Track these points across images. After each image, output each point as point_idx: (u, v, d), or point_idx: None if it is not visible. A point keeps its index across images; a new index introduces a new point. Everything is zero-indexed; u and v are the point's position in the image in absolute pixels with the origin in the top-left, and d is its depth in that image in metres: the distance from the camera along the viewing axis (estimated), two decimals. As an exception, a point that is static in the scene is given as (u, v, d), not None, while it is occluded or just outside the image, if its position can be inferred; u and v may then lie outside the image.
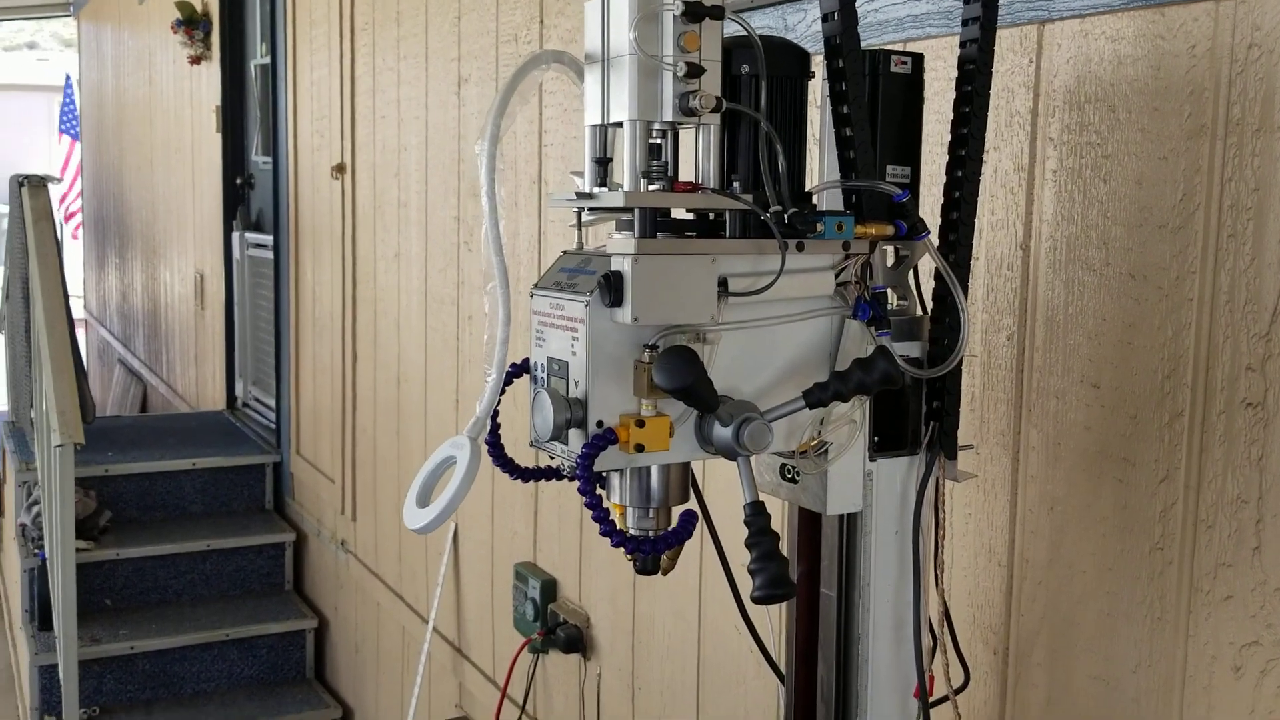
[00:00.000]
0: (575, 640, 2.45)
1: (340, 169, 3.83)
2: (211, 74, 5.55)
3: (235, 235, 5.32)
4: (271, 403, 4.88)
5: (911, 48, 1.47)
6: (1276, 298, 1.09)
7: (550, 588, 2.59)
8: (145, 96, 7.21)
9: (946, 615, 1.26)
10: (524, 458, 1.19)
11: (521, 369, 1.13)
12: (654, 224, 1.03)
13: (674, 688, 2.14)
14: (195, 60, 5.70)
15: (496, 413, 1.13)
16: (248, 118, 5.35)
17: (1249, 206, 1.11)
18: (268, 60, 4.78)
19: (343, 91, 3.79)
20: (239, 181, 5.39)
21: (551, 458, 1.12)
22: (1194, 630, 1.19)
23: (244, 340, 5.34)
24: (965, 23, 1.18)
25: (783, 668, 1.35)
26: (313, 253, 4.27)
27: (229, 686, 4.16)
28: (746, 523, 1.03)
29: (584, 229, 1.12)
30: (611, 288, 1.00)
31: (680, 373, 0.97)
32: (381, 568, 3.72)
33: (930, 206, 1.24)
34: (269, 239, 4.82)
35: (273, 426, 4.83)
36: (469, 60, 2.88)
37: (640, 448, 1.03)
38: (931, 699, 1.24)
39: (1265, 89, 1.09)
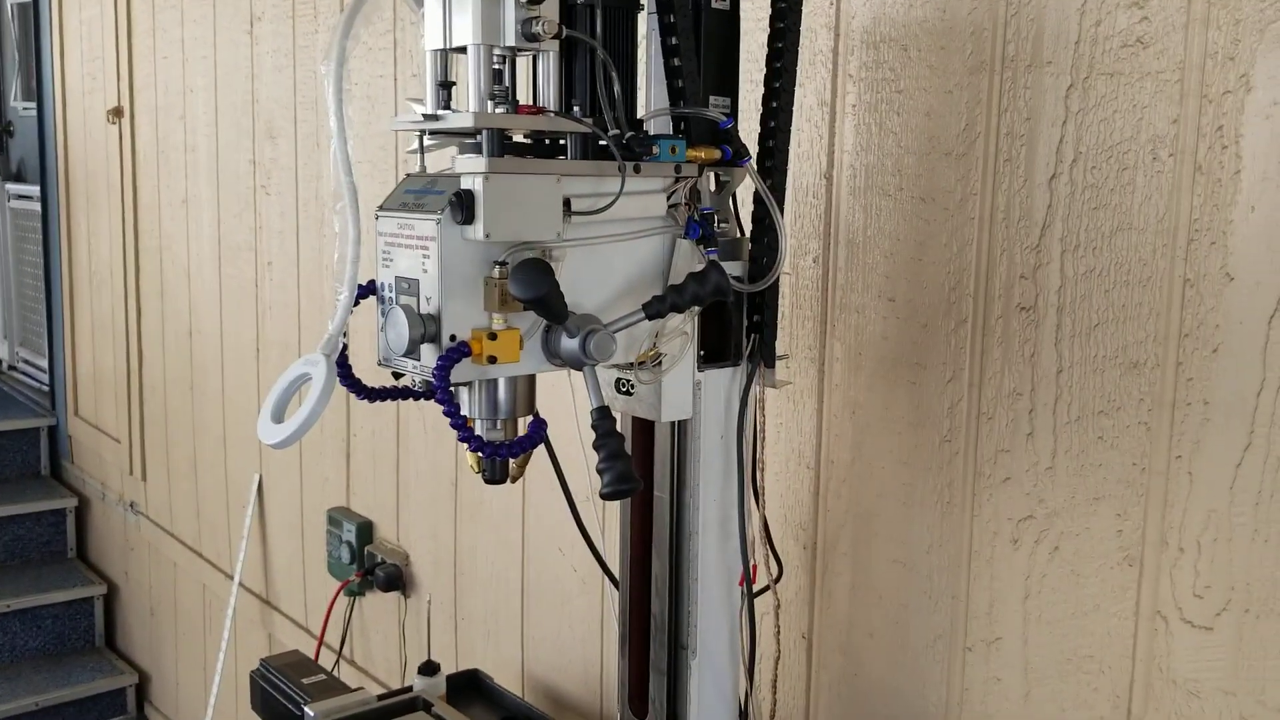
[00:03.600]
0: (394, 578, 2.48)
1: (118, 113, 3.64)
2: (-44, 11, 5.12)
3: (-7, 186, 4.96)
4: (43, 364, 4.61)
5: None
6: (1045, 213, 1.25)
7: (366, 530, 2.60)
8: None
9: (763, 514, 1.38)
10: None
11: (368, 289, 1.16)
12: (501, 145, 1.08)
13: (498, 615, 2.21)
14: (-65, -4, 5.23)
15: (345, 333, 1.16)
16: (4, 60, 4.97)
17: (1022, 134, 1.27)
18: (26, -3, 4.46)
19: (118, 31, 3.60)
20: (-5, 128, 5.01)
21: (397, 377, 1.16)
22: (978, 510, 1.35)
23: (8, 298, 4.99)
24: (777, -37, 1.27)
25: (616, 572, 1.44)
26: (87, 202, 4.05)
27: (13, 659, 3.95)
28: (594, 426, 1.11)
29: (424, 153, 1.16)
30: (463, 205, 1.05)
31: (536, 283, 1.03)
32: (177, 527, 3.61)
33: (745, 138, 1.34)
34: (34, 189, 4.52)
35: (46, 389, 4.57)
36: (262, -2, 2.80)
37: (493, 359, 1.08)
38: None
39: (1035, 29, 1.24)
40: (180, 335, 3.44)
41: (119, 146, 3.70)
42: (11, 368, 5.03)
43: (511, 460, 1.16)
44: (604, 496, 1.10)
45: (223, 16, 3.00)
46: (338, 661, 2.70)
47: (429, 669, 1.83)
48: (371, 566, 2.54)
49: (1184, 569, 1.18)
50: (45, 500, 4.24)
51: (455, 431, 1.09)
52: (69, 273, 4.25)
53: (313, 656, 2.66)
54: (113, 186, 3.78)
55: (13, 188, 4.86)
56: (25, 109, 4.75)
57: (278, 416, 1.10)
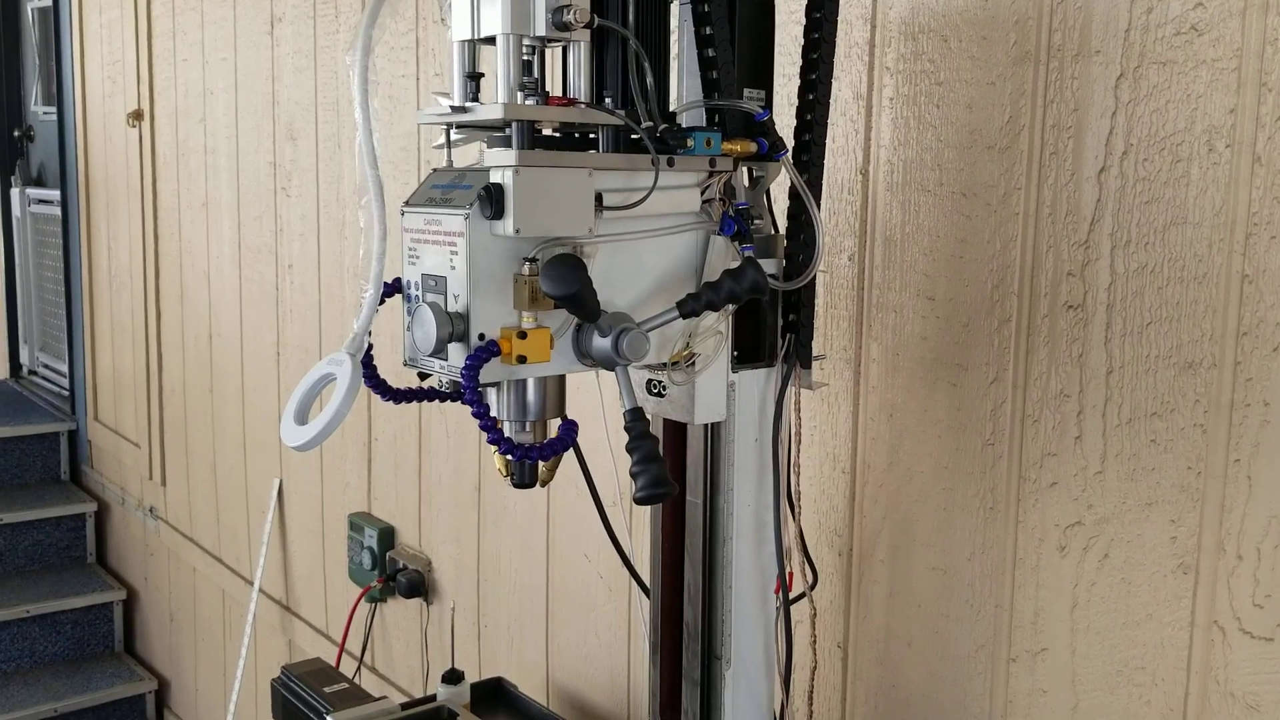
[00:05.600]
0: (417, 584, 2.45)
1: (138, 116, 3.63)
2: (-22, 17, 5.13)
3: (15, 192, 4.96)
4: (64, 368, 4.60)
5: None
6: (1094, 208, 1.21)
7: (388, 535, 2.57)
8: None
9: (798, 520, 1.33)
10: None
11: (394, 288, 1.13)
12: (531, 138, 1.04)
13: (522, 621, 2.17)
14: (-42, 2, 5.25)
15: (370, 332, 1.13)
16: (25, 65, 4.97)
17: (1069, 126, 1.22)
18: (48, 2, 4.46)
19: (138, 34, 3.58)
20: (16, 134, 5.01)
21: (423, 377, 1.13)
22: (1023, 516, 1.31)
23: (28, 303, 4.99)
24: (813, -49, 1.23)
25: (646, 579, 1.40)
26: (107, 206, 4.04)
27: (32, 665, 3.93)
28: (627, 428, 1.07)
29: (450, 147, 1.12)
30: (493, 199, 1.02)
31: (568, 280, 1.00)
32: (197, 532, 3.58)
33: (780, 131, 1.30)
34: (55, 194, 4.52)
35: (66, 393, 4.56)
36: (283, -1, 2.78)
37: (522, 359, 1.05)
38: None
39: (1083, 17, 1.20)
40: (200, 339, 3.42)
41: (139, 150, 3.68)
42: (32, 372, 5.03)
43: (541, 464, 1.12)
44: (638, 501, 1.06)
45: (243, 18, 2.98)
46: (359, 669, 2.67)
47: (453, 677, 1.80)
48: (393, 572, 2.50)
49: (1243, 577, 1.13)
50: (65, 505, 4.23)
51: (481, 434, 1.05)
52: (89, 277, 4.24)
53: (334, 664, 2.63)
54: (133, 190, 3.76)
55: (33, 192, 4.86)
56: (46, 113, 4.76)
57: (301, 418, 1.06)
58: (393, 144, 2.36)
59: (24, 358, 5.07)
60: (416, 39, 2.29)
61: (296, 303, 2.85)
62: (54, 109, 4.46)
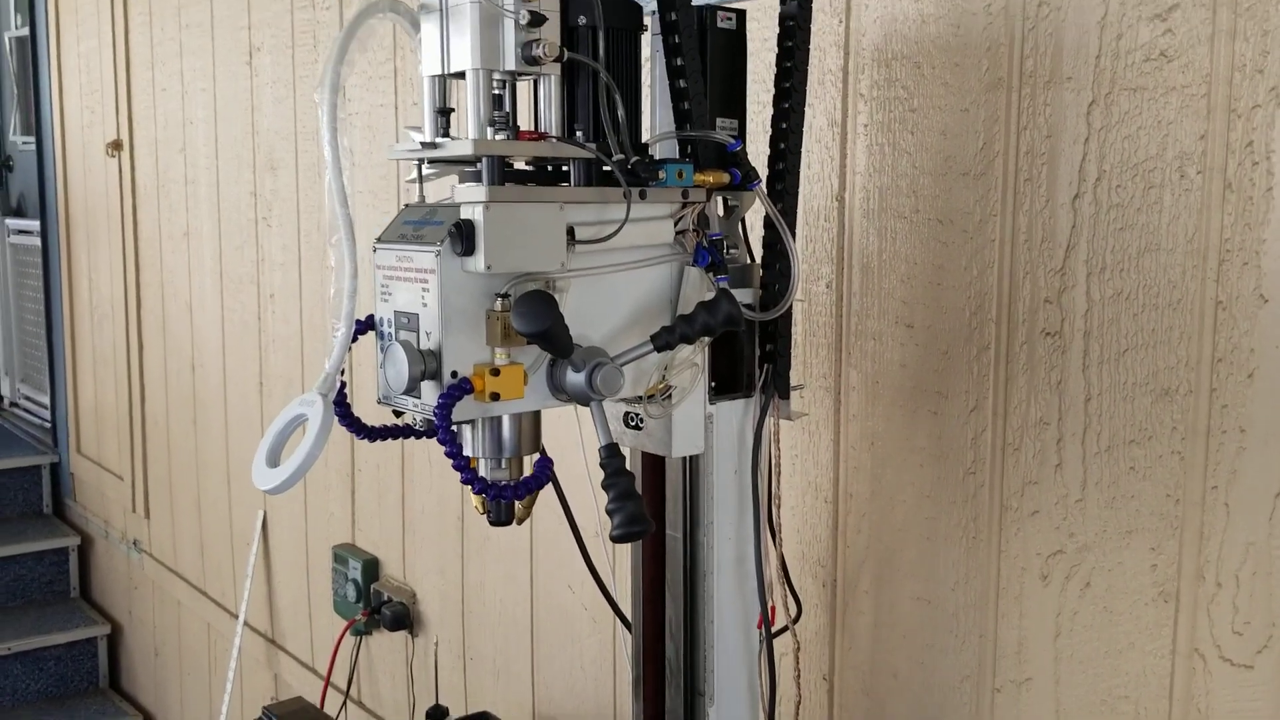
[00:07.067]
0: (402, 617, 2.42)
1: (117, 146, 3.62)
2: (-43, 48, 5.12)
3: (-7, 222, 4.94)
4: (45, 400, 4.57)
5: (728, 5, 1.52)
6: (1069, 234, 1.20)
7: (372, 567, 2.55)
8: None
9: (780, 552, 1.32)
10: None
11: (367, 325, 1.12)
12: (502, 173, 1.03)
13: (507, 653, 2.15)
14: (-64, 33, 5.23)
15: (343, 370, 1.11)
16: (3, 95, 4.96)
17: (1043, 152, 1.22)
18: (25, 32, 4.45)
19: (116, 64, 3.58)
20: (-5, 164, 5.00)
21: (398, 415, 1.12)
22: (1005, 545, 1.30)
23: (9, 335, 4.96)
24: (784, -19, 1.23)
25: (628, 613, 1.39)
26: (87, 236, 4.02)
27: (14, 703, 3.88)
28: (603, 465, 1.06)
29: (422, 182, 1.12)
30: (463, 236, 1.01)
31: (540, 316, 0.99)
32: (181, 564, 3.55)
33: (753, 160, 1.29)
34: (34, 224, 4.50)
35: (48, 425, 4.52)
36: (261, 29, 2.77)
37: (495, 396, 1.04)
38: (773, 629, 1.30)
39: (1054, 44, 1.20)
40: (182, 369, 3.40)
41: (119, 180, 3.67)
42: (13, 404, 5.00)
43: (517, 501, 1.11)
44: (614, 539, 1.05)
45: (221, 48, 2.97)
46: (345, 704, 2.64)
47: (437, 714, 1.78)
48: (378, 605, 2.48)
49: (1222, 605, 1.12)
50: (47, 539, 4.19)
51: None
52: (70, 308, 4.22)
53: (319, 698, 2.61)
54: (113, 220, 3.75)
55: (13, 223, 4.84)
56: (24, 143, 4.74)
57: (273, 460, 1.05)
58: (371, 173, 2.35)
59: (5, 389, 5.04)
60: (394, 68, 2.28)
61: (278, 333, 2.84)
62: (33, 139, 4.45)
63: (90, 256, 4.01)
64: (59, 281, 4.27)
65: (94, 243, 3.96)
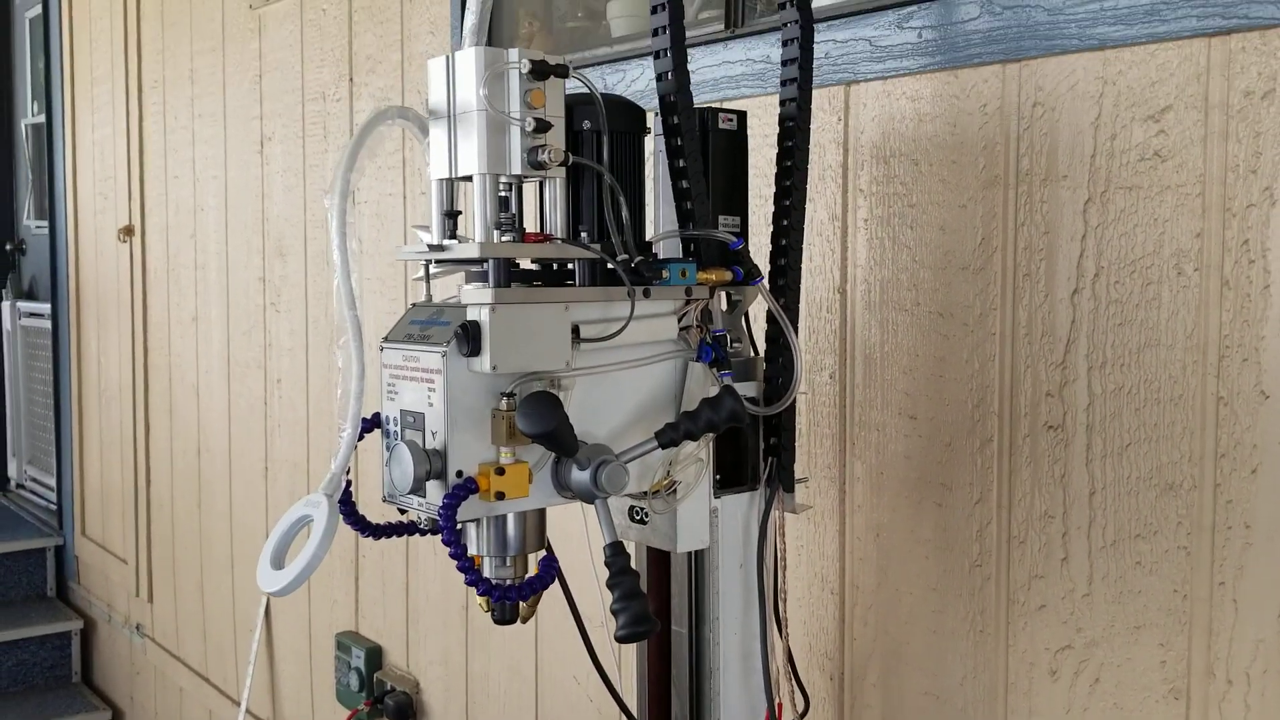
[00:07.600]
0: (405, 707, 2.40)
1: (129, 231, 3.67)
2: (-26, 134, 5.22)
3: (5, 305, 4.98)
4: (51, 482, 4.57)
5: (728, 106, 1.55)
6: (1069, 329, 1.21)
7: (375, 655, 2.52)
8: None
9: (787, 645, 1.31)
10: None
11: (373, 423, 1.13)
12: (508, 274, 1.05)
13: (512, 745, 2.12)
14: (-46, 120, 5.33)
15: (348, 470, 1.12)
16: (18, 179, 5.04)
17: (1041, 248, 1.24)
18: (41, 119, 4.54)
19: (130, 151, 3.64)
20: (9, 247, 5.06)
21: (403, 513, 1.12)
22: (1013, 640, 1.29)
23: (17, 416, 4.98)
24: (784, 83, 1.26)
25: (633, 709, 1.37)
26: (97, 320, 4.05)
27: (12, 793, 3.83)
28: (607, 563, 1.06)
29: (429, 281, 1.13)
30: (469, 337, 1.02)
31: (544, 418, 1.00)
32: (184, 650, 3.52)
33: (756, 253, 1.31)
34: (45, 308, 4.54)
35: (53, 508, 4.52)
36: (272, 119, 2.83)
37: (501, 495, 1.04)
38: (780, 725, 1.29)
39: (1049, 142, 1.22)
40: (189, 453, 3.41)
41: (130, 265, 3.71)
42: (20, 485, 4.99)
43: (521, 601, 1.11)
44: (619, 639, 1.05)
45: (233, 137, 3.03)
46: (346, 794, 2.60)
47: (439, 809, 1.75)
48: (381, 694, 2.45)
49: (1234, 703, 1.11)
50: (50, 623, 4.16)
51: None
52: (78, 390, 4.24)
53: (320, 789, 2.57)
54: (123, 304, 3.78)
55: (24, 305, 4.89)
56: (38, 227, 4.80)
57: (278, 562, 1.05)
58: (380, 260, 2.38)
59: (12, 471, 5.04)
60: (403, 158, 2.32)
61: (285, 418, 2.85)
62: (46, 223, 4.51)
63: (100, 340, 4.05)
64: (68, 364, 4.29)
65: (104, 326, 4.00)
